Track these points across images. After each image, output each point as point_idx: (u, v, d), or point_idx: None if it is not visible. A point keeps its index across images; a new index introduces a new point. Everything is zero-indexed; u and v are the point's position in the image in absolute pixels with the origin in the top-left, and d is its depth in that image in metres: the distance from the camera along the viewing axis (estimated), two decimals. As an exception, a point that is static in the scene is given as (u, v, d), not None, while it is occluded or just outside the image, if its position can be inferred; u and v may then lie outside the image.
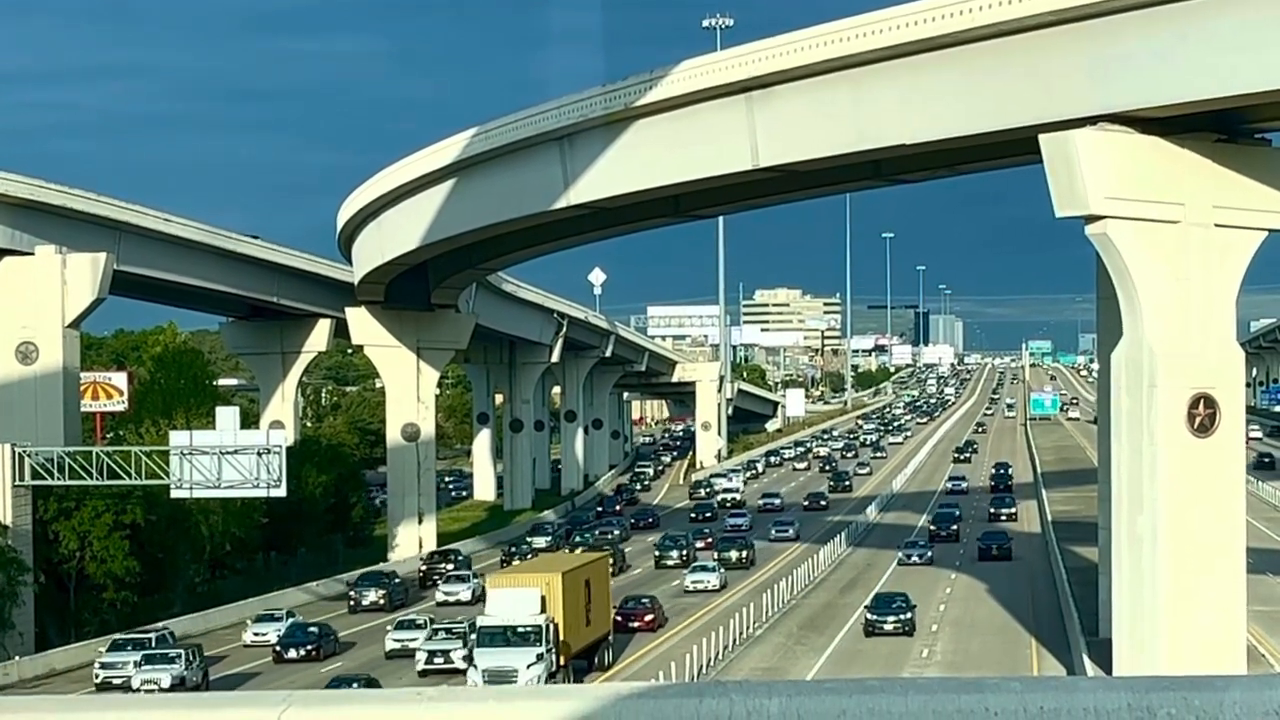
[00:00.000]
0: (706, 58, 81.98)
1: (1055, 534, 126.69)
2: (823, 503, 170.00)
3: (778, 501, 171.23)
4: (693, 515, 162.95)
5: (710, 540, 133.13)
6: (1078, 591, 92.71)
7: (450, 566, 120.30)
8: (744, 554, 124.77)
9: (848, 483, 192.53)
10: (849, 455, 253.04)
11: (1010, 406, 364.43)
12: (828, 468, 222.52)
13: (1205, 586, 66.20)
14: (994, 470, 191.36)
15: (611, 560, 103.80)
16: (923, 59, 69.70)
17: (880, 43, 70.61)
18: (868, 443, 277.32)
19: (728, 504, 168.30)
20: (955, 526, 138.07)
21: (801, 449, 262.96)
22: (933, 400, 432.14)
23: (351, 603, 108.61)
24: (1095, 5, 62.40)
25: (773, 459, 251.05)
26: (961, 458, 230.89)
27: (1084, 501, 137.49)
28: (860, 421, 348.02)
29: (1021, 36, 65.68)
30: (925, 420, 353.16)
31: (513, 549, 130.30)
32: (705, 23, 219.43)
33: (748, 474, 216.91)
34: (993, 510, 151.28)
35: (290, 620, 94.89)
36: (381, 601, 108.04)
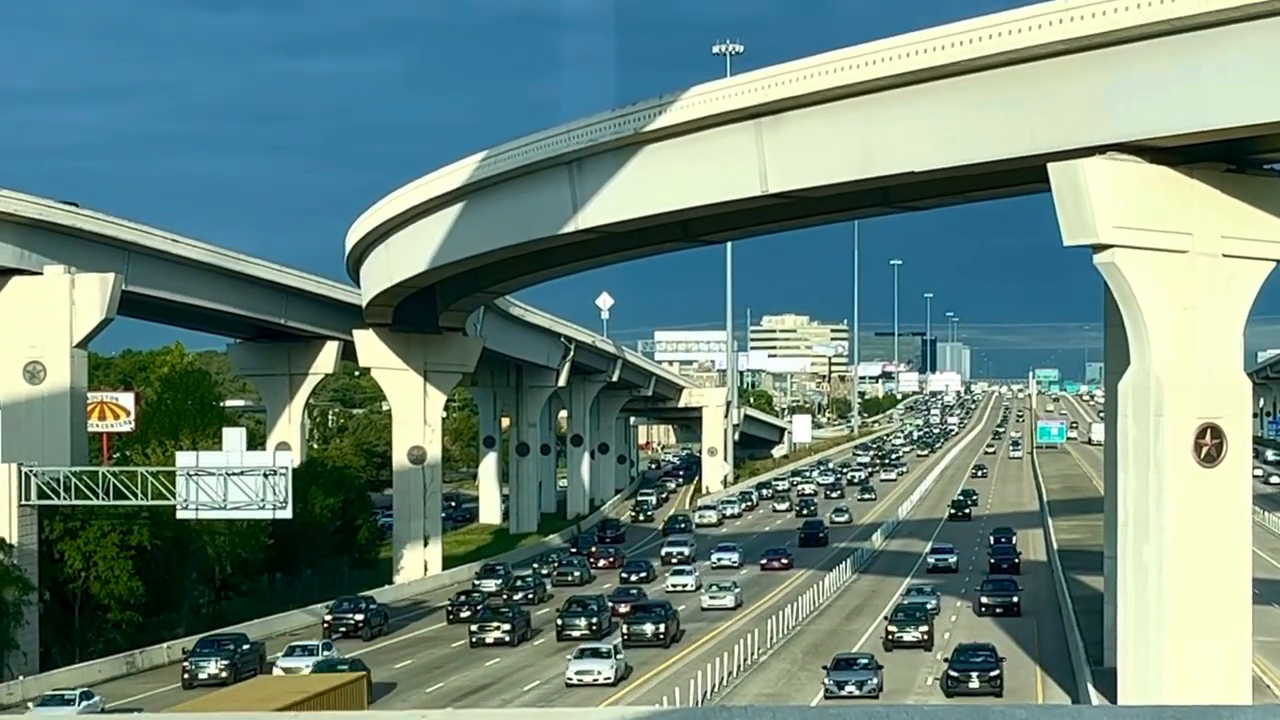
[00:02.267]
0: (716, 83, 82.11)
1: (1061, 562, 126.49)
2: (784, 560, 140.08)
3: (735, 559, 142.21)
4: (662, 557, 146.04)
5: (631, 608, 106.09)
6: (1083, 620, 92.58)
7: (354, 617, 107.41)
8: (662, 628, 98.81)
9: (821, 534, 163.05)
10: (834, 494, 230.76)
11: (1016, 444, 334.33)
12: (805, 511, 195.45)
13: (1211, 616, 66.12)
14: (993, 541, 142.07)
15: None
16: (932, 87, 69.80)
17: (889, 70, 70.71)
18: (856, 480, 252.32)
19: (674, 559, 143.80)
20: (924, 631, 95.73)
21: (785, 485, 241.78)
22: (935, 430, 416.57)
23: (186, 675, 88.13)
24: (1105, 35, 62.50)
25: (764, 491, 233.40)
26: (958, 513, 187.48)
27: (1090, 530, 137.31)
28: (857, 452, 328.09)
29: (1031, 65, 65.78)
30: (925, 453, 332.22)
31: (462, 596, 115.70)
32: (715, 49, 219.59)
33: (743, 505, 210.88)
34: (986, 601, 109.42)
35: (84, 703, 78.47)
36: (224, 674, 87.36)
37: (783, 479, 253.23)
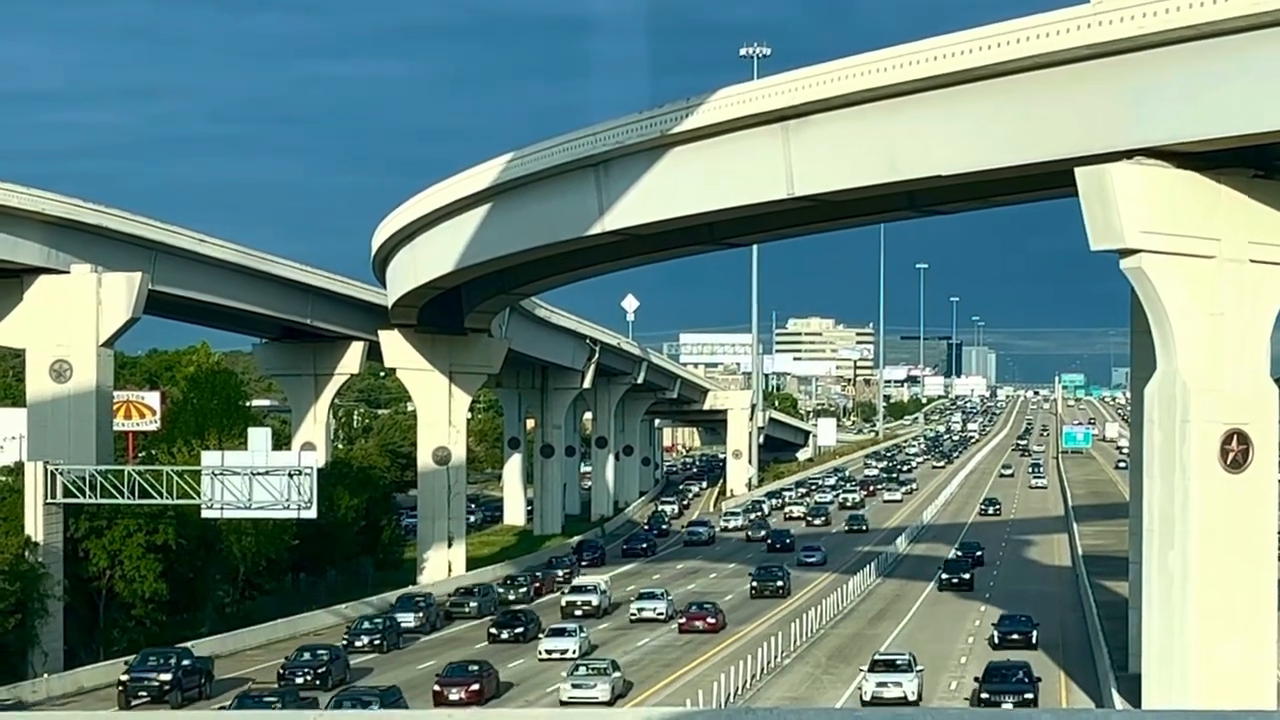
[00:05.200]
0: (743, 86, 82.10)
1: (1086, 568, 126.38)
2: (710, 620, 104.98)
3: (662, 610, 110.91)
4: (563, 608, 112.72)
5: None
6: (1108, 626, 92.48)
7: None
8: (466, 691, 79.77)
9: (781, 583, 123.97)
10: (816, 520, 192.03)
11: (1037, 470, 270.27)
12: (778, 546, 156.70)
13: (1236, 622, 66.00)
14: (996, 626, 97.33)
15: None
16: (958, 91, 69.76)
17: (916, 74, 70.67)
18: (849, 502, 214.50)
19: (576, 610, 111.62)
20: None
21: (793, 494, 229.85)
22: (955, 438, 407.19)
23: (122, 691, 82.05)
24: (1133, 39, 62.42)
25: (774, 501, 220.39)
26: (952, 579, 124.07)
27: (1115, 535, 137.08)
28: (869, 461, 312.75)
29: (1058, 69, 65.72)
30: (941, 464, 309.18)
31: (363, 622, 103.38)
32: (743, 51, 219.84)
33: (754, 514, 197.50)
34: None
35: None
36: (166, 690, 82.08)
37: (788, 490, 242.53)
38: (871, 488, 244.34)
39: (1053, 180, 72.26)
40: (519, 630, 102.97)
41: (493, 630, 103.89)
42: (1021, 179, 75.35)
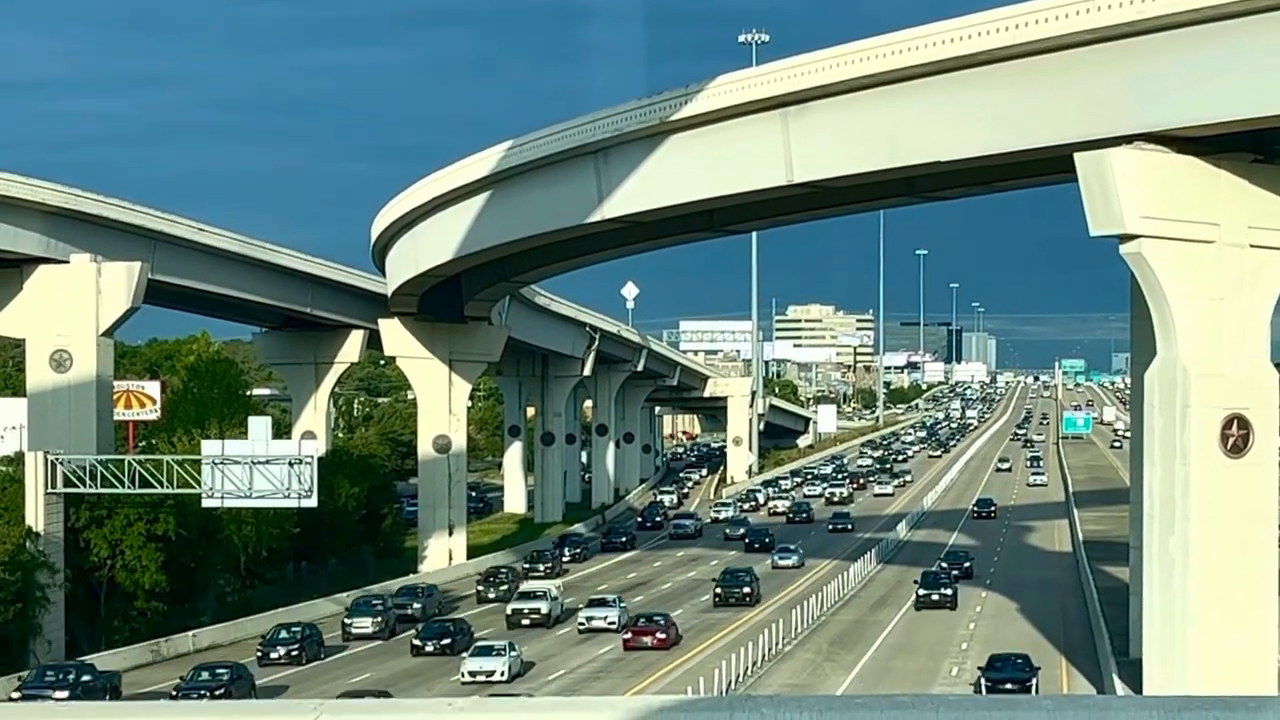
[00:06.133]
0: (742, 73, 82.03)
1: (1086, 553, 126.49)
2: (660, 636, 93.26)
3: (614, 618, 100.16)
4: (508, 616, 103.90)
5: None
6: (1109, 611, 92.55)
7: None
8: None
9: (748, 590, 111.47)
10: (800, 517, 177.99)
11: (1037, 464, 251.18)
12: (756, 545, 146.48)
13: (1237, 608, 66.01)
14: (985, 672, 79.16)
15: None
16: (958, 76, 69.67)
17: (915, 60, 70.59)
18: (836, 497, 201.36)
19: (524, 620, 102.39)
20: None
21: (789, 484, 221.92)
22: (953, 426, 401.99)
23: None
24: (1132, 24, 62.32)
25: (770, 490, 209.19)
26: (930, 595, 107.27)
27: (1115, 521, 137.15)
28: (864, 450, 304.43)
29: (1058, 55, 65.62)
30: (937, 453, 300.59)
31: (280, 630, 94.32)
32: (741, 38, 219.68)
33: (746, 504, 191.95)
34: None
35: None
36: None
37: (785, 478, 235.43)
38: (861, 480, 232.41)
39: (1053, 165, 72.20)
40: (445, 642, 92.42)
41: (416, 642, 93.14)
42: (1022, 164, 75.29)
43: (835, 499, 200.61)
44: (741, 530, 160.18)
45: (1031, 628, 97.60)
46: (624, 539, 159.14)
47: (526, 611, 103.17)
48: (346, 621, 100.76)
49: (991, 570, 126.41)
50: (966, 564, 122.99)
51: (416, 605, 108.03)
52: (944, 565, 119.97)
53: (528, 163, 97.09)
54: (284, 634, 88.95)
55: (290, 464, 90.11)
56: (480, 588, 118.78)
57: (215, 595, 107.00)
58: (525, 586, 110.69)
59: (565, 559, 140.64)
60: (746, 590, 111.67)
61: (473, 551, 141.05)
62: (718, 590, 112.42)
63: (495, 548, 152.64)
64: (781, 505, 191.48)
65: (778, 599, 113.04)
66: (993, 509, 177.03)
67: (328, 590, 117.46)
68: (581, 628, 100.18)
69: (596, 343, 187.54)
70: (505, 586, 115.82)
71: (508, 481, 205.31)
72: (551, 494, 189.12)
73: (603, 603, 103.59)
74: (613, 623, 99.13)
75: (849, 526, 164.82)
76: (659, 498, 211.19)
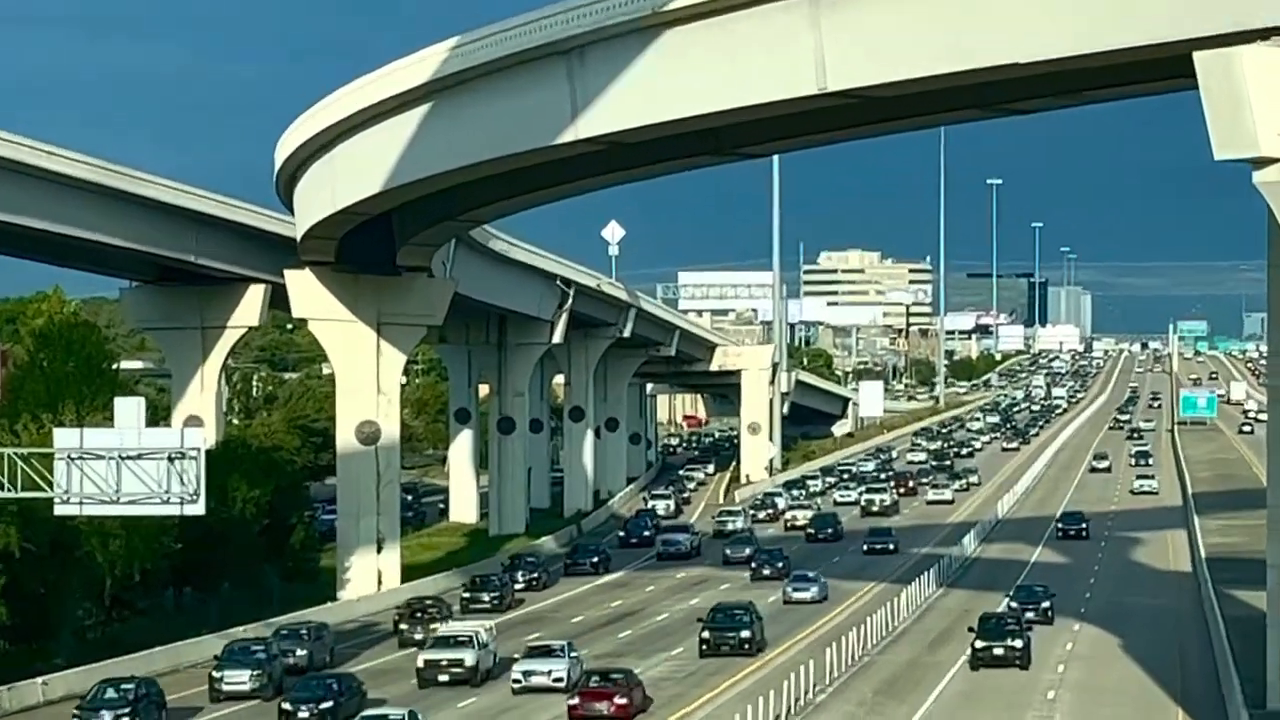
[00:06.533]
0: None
1: (1210, 573, 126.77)
2: (619, 702, 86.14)
3: (561, 671, 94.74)
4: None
5: None
6: (1239, 649, 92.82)
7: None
8: None
9: (747, 635, 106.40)
10: (824, 533, 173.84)
11: (1144, 460, 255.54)
12: (765, 571, 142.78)
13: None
14: None
15: None
16: (1042, -48, 69.77)
17: (987, -70, 70.74)
18: (875, 505, 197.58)
19: (440, 675, 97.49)
20: None
21: (819, 485, 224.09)
22: (1035, 409, 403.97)
23: None
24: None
25: (794, 492, 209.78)
26: (991, 648, 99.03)
27: (1248, 532, 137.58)
28: (916, 440, 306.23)
29: (1172, -76, 65.71)
30: (1014, 445, 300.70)
31: (105, 689, 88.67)
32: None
33: (762, 513, 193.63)
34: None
35: None
36: None
37: (814, 477, 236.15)
38: (911, 481, 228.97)
39: (1164, 69, 72.28)
40: (326, 706, 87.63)
41: (286, 706, 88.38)
42: (1122, 68, 75.29)
43: (873, 508, 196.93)
44: (746, 550, 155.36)
45: (1140, 670, 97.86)
46: (594, 559, 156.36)
47: (444, 664, 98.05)
48: (215, 675, 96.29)
49: (1087, 596, 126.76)
50: (1045, 604, 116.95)
51: (301, 652, 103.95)
52: (1013, 605, 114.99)
53: (481, 65, 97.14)
54: (111, 693, 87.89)
55: (170, 459, 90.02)
56: (404, 626, 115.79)
57: (72, 630, 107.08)
58: (444, 629, 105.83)
59: (519, 585, 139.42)
60: (745, 634, 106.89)
61: (409, 573, 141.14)
62: (705, 634, 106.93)
63: (439, 567, 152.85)
64: (802, 517, 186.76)
65: (788, 645, 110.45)
66: (1084, 526, 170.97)
67: (219, 624, 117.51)
68: (516, 686, 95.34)
69: (570, 301, 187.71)
70: (436, 624, 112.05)
71: (454, 482, 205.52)
72: (511, 498, 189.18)
73: (546, 652, 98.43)
74: (559, 679, 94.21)
75: (891, 546, 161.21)
76: (651, 503, 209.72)
